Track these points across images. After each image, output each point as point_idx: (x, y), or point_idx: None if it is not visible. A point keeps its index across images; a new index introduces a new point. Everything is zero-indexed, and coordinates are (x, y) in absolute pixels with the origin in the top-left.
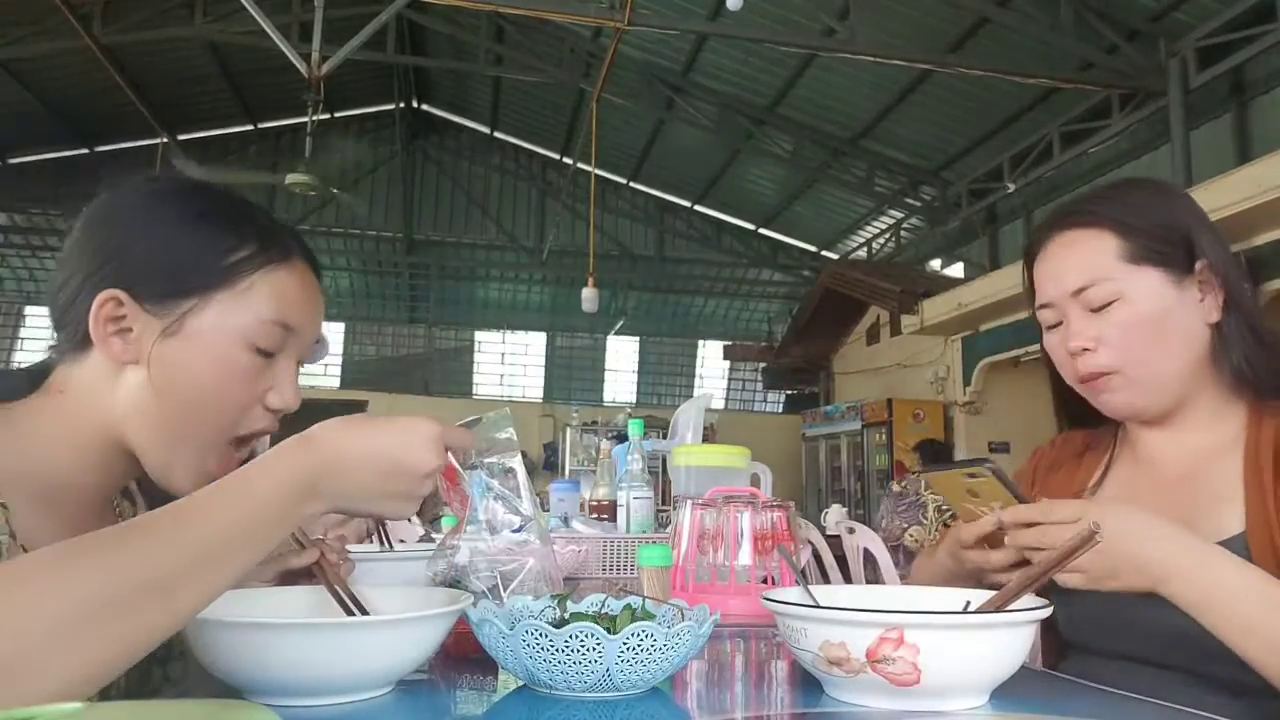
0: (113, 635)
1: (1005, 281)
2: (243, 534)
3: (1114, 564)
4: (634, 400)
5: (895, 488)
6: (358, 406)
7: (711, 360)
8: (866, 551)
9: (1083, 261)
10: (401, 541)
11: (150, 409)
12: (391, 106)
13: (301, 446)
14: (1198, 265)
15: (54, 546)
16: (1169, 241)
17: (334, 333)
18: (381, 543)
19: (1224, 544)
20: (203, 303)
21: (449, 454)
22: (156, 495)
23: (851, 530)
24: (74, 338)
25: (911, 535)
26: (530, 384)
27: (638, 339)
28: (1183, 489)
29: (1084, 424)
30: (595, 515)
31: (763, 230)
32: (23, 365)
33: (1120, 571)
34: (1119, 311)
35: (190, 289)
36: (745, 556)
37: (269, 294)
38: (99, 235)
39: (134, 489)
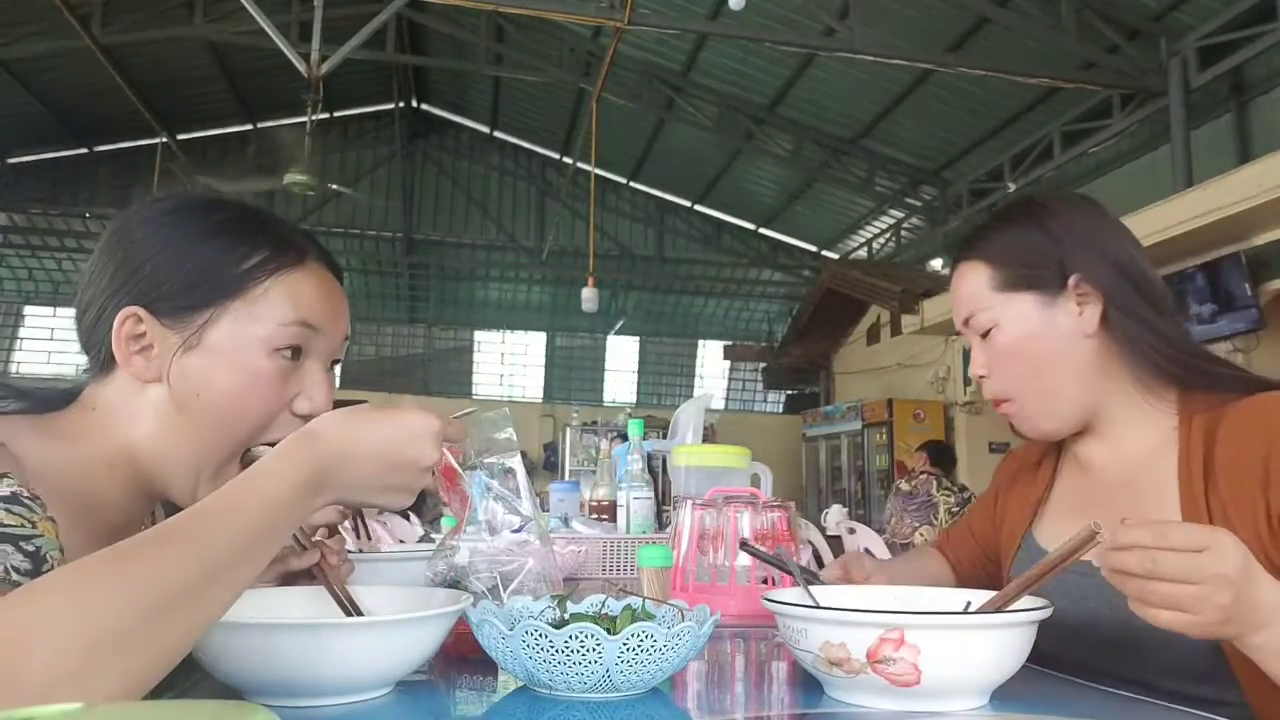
0: (155, 643)
1: None
2: (260, 534)
3: (1228, 606)
4: (634, 400)
5: (904, 486)
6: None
7: (711, 360)
8: (868, 552)
9: (965, 293)
10: (401, 542)
11: (174, 425)
12: (391, 106)
13: (307, 441)
14: (1070, 281)
15: (81, 562)
16: (1036, 265)
17: None
18: (358, 535)
19: None
20: (219, 313)
21: (448, 453)
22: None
23: (852, 530)
24: (100, 358)
25: (922, 535)
26: (530, 384)
27: (638, 339)
28: (1123, 495)
29: None
30: (595, 515)
31: (763, 230)
32: (65, 383)
33: (1235, 617)
34: (997, 338)
35: (205, 300)
36: (745, 557)
37: (284, 297)
38: (116, 256)
39: (158, 514)
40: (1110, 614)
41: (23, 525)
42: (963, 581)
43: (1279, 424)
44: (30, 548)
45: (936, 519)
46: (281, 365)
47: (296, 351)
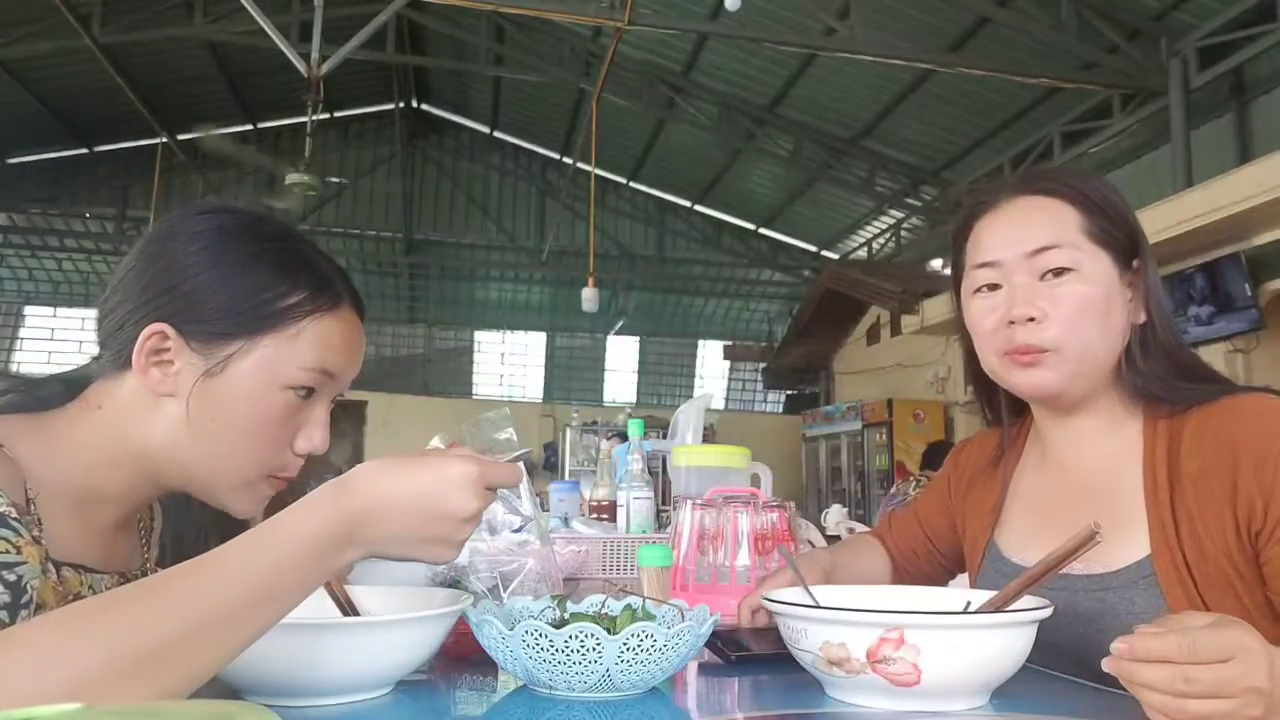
0: (141, 694)
1: None
2: (269, 587)
3: (1260, 717)
4: (634, 400)
5: (893, 489)
6: (357, 406)
7: (711, 360)
8: None
9: (1048, 224)
10: None
11: (184, 442)
12: (391, 106)
13: (338, 493)
14: (1135, 264)
15: (68, 610)
16: (1121, 231)
17: None
18: None
19: (1132, 568)
20: (249, 345)
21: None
22: (181, 516)
23: (852, 530)
24: (116, 359)
25: None
26: (530, 384)
27: (638, 339)
28: (1089, 502)
29: (1014, 414)
30: (595, 515)
31: (763, 230)
32: (61, 373)
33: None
34: (1072, 284)
35: (238, 332)
36: (745, 557)
37: (315, 341)
38: (155, 266)
39: (155, 505)
40: (1091, 629)
41: (7, 551)
42: (899, 576)
43: (1243, 436)
44: (12, 577)
45: None
46: (291, 402)
47: (310, 392)
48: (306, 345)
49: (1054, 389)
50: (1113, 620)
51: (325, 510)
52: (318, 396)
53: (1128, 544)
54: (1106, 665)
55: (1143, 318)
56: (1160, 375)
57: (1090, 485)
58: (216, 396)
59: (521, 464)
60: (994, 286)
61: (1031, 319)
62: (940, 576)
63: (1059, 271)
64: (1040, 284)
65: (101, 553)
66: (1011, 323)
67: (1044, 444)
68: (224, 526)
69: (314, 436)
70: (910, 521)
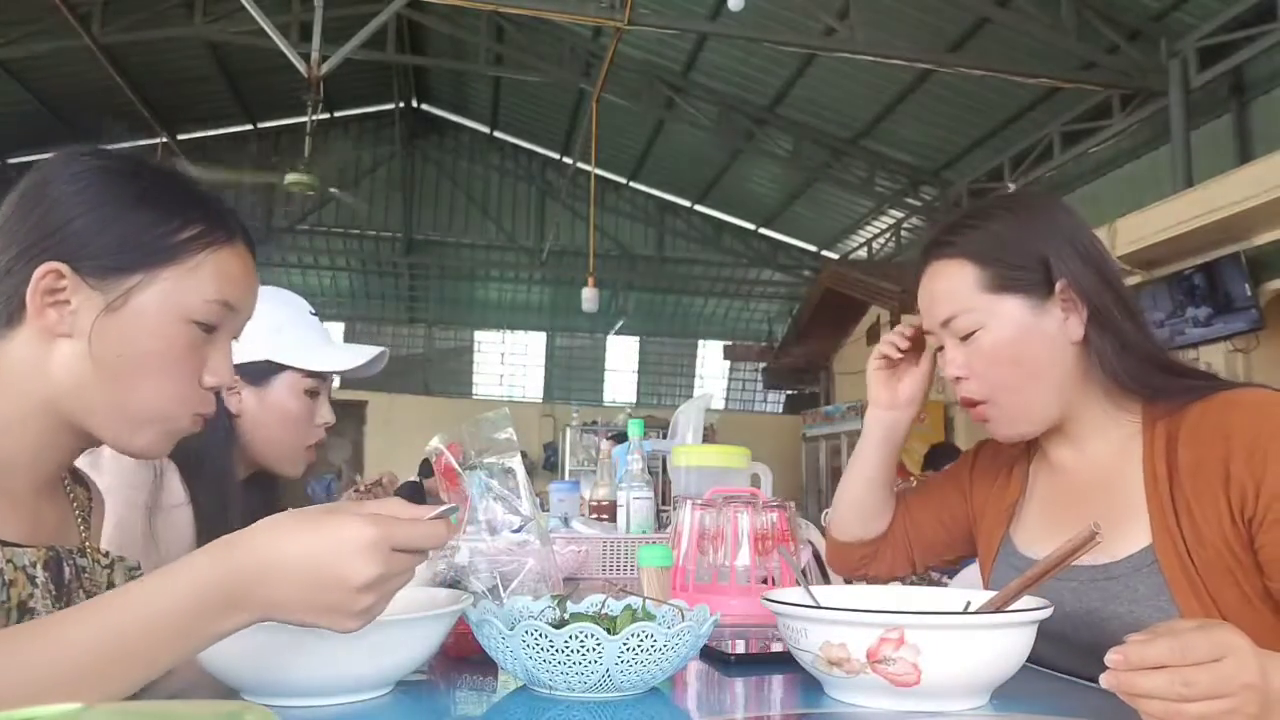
0: None
1: None
2: (137, 645)
3: (1258, 715)
4: (634, 400)
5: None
6: (358, 406)
7: (711, 360)
8: None
9: (946, 293)
10: None
11: (90, 382)
12: (391, 106)
13: (219, 552)
14: (1057, 286)
15: None
16: (1025, 268)
17: (334, 332)
18: None
19: (1135, 556)
20: (148, 279)
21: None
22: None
23: None
24: (6, 310)
25: None
26: (530, 384)
27: (638, 339)
28: (1095, 498)
29: None
30: (595, 515)
31: (763, 230)
32: None
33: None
34: (982, 340)
35: (136, 265)
36: (745, 557)
37: (215, 274)
38: (37, 210)
39: (89, 477)
40: (1095, 620)
41: None
42: (898, 540)
43: (1235, 425)
44: None
45: None
46: (195, 335)
47: (211, 327)
48: (207, 278)
49: (1009, 435)
50: (1117, 607)
51: (206, 570)
52: (220, 331)
53: (1130, 535)
54: (1105, 681)
55: (1079, 335)
56: (1129, 373)
57: (1094, 482)
58: (119, 331)
59: (453, 518)
60: (940, 347)
61: (959, 379)
62: (940, 542)
63: (967, 335)
64: (962, 344)
65: (24, 524)
66: (955, 379)
67: (1048, 454)
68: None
69: (219, 370)
70: (923, 494)
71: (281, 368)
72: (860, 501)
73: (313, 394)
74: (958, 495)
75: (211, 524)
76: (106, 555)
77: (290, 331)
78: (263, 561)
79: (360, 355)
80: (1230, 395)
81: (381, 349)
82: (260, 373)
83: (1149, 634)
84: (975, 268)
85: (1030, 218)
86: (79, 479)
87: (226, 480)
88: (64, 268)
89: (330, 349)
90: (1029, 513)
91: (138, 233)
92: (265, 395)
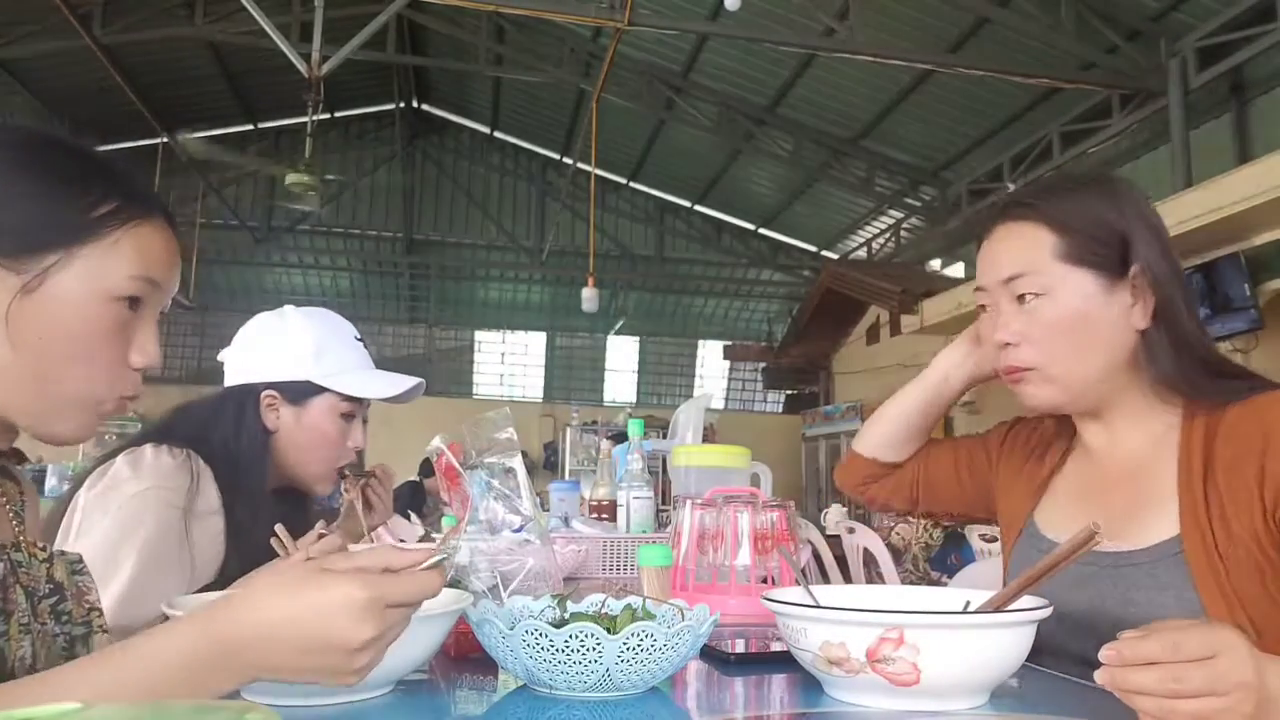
0: None
1: None
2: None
3: (1252, 714)
4: (634, 400)
5: None
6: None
7: (711, 360)
8: (866, 551)
9: (1017, 253)
10: (402, 541)
11: (9, 368)
12: (391, 106)
13: (201, 623)
14: (1132, 270)
15: None
16: (1104, 244)
17: None
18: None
19: (1161, 545)
20: (67, 258)
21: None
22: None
23: (851, 530)
24: None
25: (898, 533)
26: (530, 384)
27: (638, 339)
28: (1125, 487)
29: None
30: (595, 515)
31: (763, 230)
32: None
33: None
34: (1044, 308)
35: (52, 244)
36: (745, 556)
37: (136, 249)
38: None
39: (16, 470)
40: (1109, 607)
41: None
42: (908, 476)
43: (1274, 423)
44: None
45: (913, 517)
46: (120, 314)
47: (135, 303)
48: (129, 253)
49: (1044, 404)
50: (1137, 594)
51: (191, 638)
52: (145, 309)
53: (1158, 524)
54: (1099, 678)
55: (1144, 323)
56: (1182, 372)
57: (1125, 471)
58: (39, 312)
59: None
60: (985, 307)
61: (1008, 344)
62: (949, 495)
63: (1030, 296)
64: (1020, 307)
65: None
66: (998, 345)
67: (1081, 436)
68: (288, 523)
69: (147, 349)
70: (948, 445)
71: (321, 390)
72: (891, 428)
73: (348, 417)
74: (983, 459)
75: (242, 534)
76: (44, 549)
77: (333, 355)
78: (247, 635)
79: (399, 384)
80: (1271, 395)
81: (419, 380)
82: (300, 392)
83: (1143, 631)
84: (1053, 234)
85: (1117, 198)
86: (6, 473)
87: (259, 493)
88: None
89: (371, 375)
90: (1055, 497)
91: (51, 209)
92: (302, 415)
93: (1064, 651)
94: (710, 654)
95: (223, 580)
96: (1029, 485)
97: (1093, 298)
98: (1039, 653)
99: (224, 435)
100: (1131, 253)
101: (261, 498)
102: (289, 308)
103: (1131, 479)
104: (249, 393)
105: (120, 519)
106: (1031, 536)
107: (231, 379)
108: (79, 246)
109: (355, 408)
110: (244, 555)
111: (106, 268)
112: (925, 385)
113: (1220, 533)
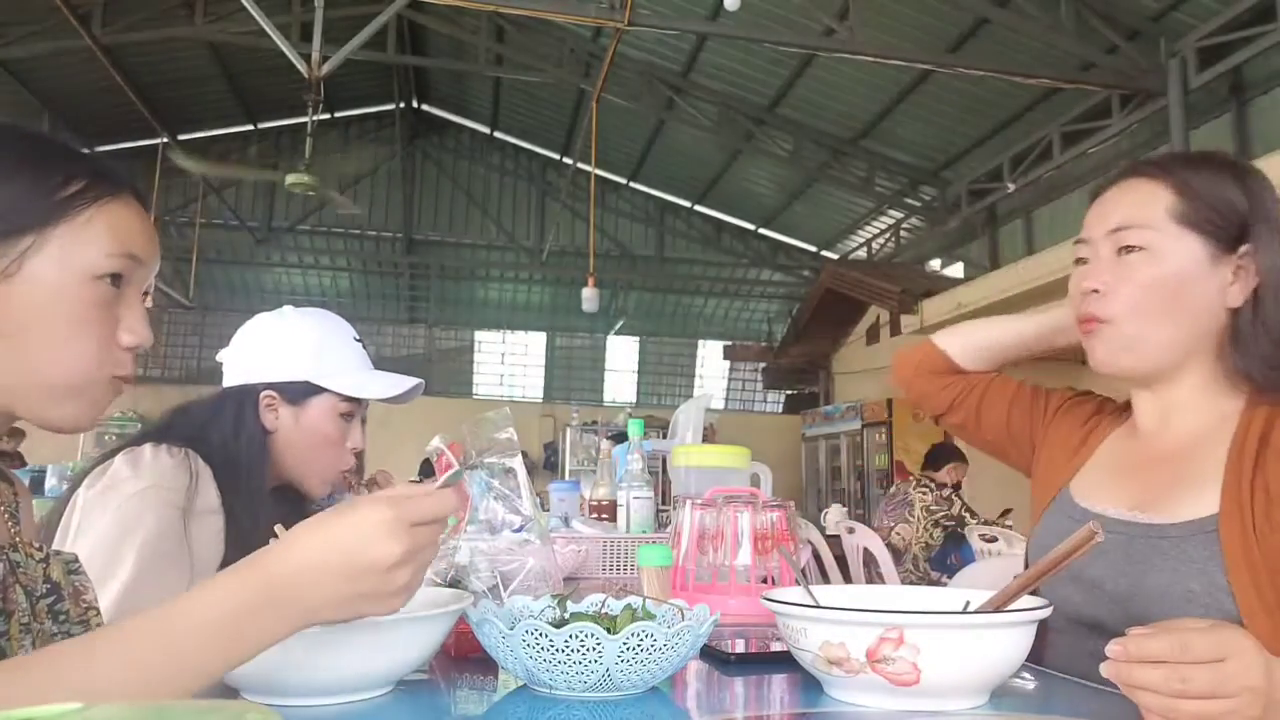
0: None
1: (1005, 281)
2: (180, 656)
3: (1259, 717)
4: (634, 400)
5: (892, 490)
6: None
7: (711, 360)
8: (866, 551)
9: (1131, 206)
10: None
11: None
12: (391, 106)
13: (248, 566)
14: (1241, 249)
15: None
16: (1222, 215)
17: None
18: None
19: (1197, 522)
20: (41, 240)
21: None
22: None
23: (851, 530)
24: None
25: (898, 533)
26: (530, 384)
27: (638, 339)
28: (1169, 465)
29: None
30: (595, 515)
31: (763, 230)
32: None
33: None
34: (1143, 262)
35: (25, 226)
36: (745, 556)
37: (111, 226)
38: None
39: (10, 473)
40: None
41: None
42: (968, 389)
43: None
44: None
45: (912, 516)
46: (104, 293)
47: (117, 279)
48: (104, 230)
49: (1108, 361)
50: (1162, 565)
51: (240, 580)
52: (129, 287)
53: (1196, 501)
54: (1105, 670)
55: (1238, 301)
56: (1262, 360)
57: (1172, 451)
58: (21, 298)
59: (466, 481)
60: (1084, 260)
61: (1095, 291)
62: (993, 426)
63: (1131, 249)
64: (1117, 260)
65: None
66: (1084, 292)
67: (1135, 415)
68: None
69: (136, 328)
70: (1011, 388)
71: (320, 390)
72: (984, 341)
73: (347, 417)
74: (1040, 411)
75: (242, 534)
76: (40, 549)
77: (332, 355)
78: (292, 566)
79: (398, 385)
80: None
81: (418, 381)
82: (299, 393)
83: (1153, 628)
84: (1174, 195)
85: (1243, 179)
86: (1, 475)
87: (259, 493)
88: None
89: (370, 376)
90: (1093, 469)
91: (17, 193)
92: (301, 415)
93: (1074, 611)
94: (710, 654)
95: None
96: (1067, 459)
97: (1195, 263)
98: (1055, 620)
99: (223, 435)
100: (1248, 233)
101: (261, 497)
102: (288, 308)
103: (1178, 458)
104: (248, 393)
105: (119, 518)
106: (1064, 504)
107: (230, 379)
108: (50, 228)
109: (354, 408)
110: (244, 554)
111: (82, 247)
112: (1040, 323)
113: (1260, 516)
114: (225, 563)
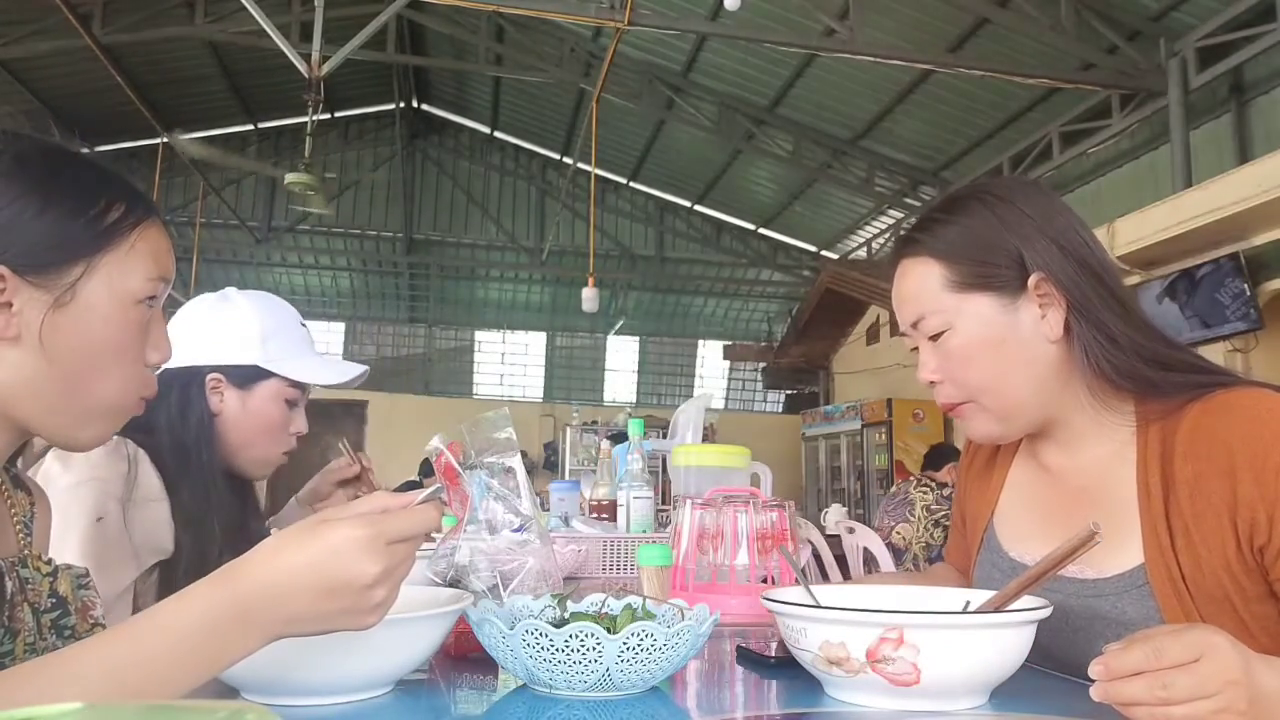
0: None
1: None
2: (148, 672)
3: (1245, 711)
4: (634, 400)
5: (892, 489)
6: (358, 406)
7: (711, 360)
8: (866, 551)
9: (913, 294)
10: None
11: (43, 381)
12: (391, 106)
13: (220, 579)
14: (1031, 281)
15: None
16: (994, 265)
17: (334, 332)
18: None
19: (1125, 576)
20: (91, 268)
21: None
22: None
23: (851, 530)
24: None
25: (899, 533)
26: (530, 384)
27: (638, 339)
28: (1084, 501)
29: None
30: (595, 515)
31: (763, 230)
32: None
33: (1251, 716)
34: (951, 341)
35: (75, 256)
36: (745, 556)
37: (150, 250)
38: None
39: (29, 479)
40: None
41: None
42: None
43: (1240, 438)
44: None
45: (913, 515)
46: (144, 315)
47: (152, 300)
48: (146, 255)
49: (988, 436)
50: (1103, 628)
51: (212, 596)
52: (155, 307)
53: (1121, 551)
54: (1094, 694)
55: (1058, 333)
56: (1117, 370)
57: (1084, 486)
58: (72, 325)
59: (439, 499)
60: (915, 349)
61: (934, 382)
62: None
63: (938, 335)
64: (935, 346)
65: None
66: (929, 384)
67: (1035, 450)
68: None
69: (161, 345)
70: (956, 534)
71: (267, 374)
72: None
73: (292, 403)
74: (959, 495)
75: (192, 520)
76: (49, 563)
77: (279, 339)
78: (265, 582)
79: (346, 371)
80: (1227, 398)
81: (363, 368)
82: (246, 377)
83: (1126, 642)
84: (941, 266)
85: (1002, 209)
86: (19, 483)
87: (209, 477)
88: (3, 269)
89: (316, 361)
90: (1015, 512)
91: (68, 221)
92: (248, 399)
93: (1051, 662)
94: (748, 657)
95: (176, 564)
96: (982, 501)
97: (994, 321)
98: (1039, 660)
99: (169, 418)
100: (1027, 263)
101: (213, 482)
102: (232, 290)
103: (1089, 494)
104: (194, 375)
105: (55, 517)
106: (992, 551)
107: (173, 361)
108: (99, 256)
109: (299, 394)
110: (197, 538)
111: (129, 272)
112: None
113: (1187, 562)
114: (178, 547)
